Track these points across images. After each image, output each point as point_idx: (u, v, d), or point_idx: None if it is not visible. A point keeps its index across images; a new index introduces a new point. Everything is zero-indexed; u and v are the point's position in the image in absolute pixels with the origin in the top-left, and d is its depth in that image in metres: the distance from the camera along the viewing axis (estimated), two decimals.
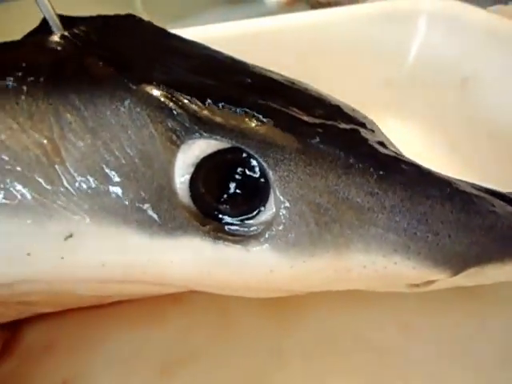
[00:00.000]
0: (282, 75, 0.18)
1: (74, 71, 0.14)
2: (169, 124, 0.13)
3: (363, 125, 0.16)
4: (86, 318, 0.21)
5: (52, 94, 0.13)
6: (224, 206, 0.13)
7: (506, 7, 0.33)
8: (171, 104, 0.13)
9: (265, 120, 0.13)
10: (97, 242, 0.13)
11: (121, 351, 0.19)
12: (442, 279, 0.14)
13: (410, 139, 0.30)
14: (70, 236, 0.13)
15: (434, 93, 0.29)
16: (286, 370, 0.18)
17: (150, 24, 0.19)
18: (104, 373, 0.19)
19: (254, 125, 0.13)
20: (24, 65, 0.14)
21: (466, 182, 0.15)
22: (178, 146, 0.13)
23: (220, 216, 0.13)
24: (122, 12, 0.21)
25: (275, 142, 0.13)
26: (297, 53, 0.33)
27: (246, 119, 0.13)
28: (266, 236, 0.13)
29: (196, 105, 0.13)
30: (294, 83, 0.17)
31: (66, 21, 0.18)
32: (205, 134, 0.13)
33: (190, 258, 0.13)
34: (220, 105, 0.13)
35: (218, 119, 0.13)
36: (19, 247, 0.13)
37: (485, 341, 0.19)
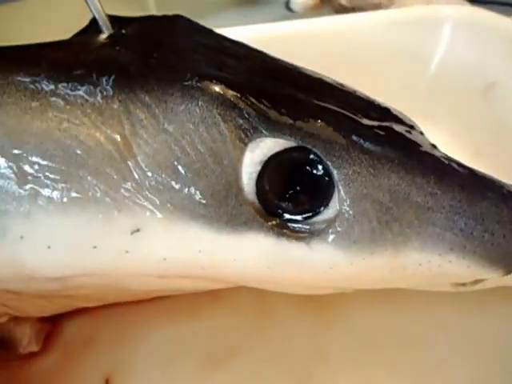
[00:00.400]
0: (329, 77, 0.18)
1: (138, 70, 0.14)
2: (238, 123, 0.13)
3: (413, 127, 0.16)
4: (124, 313, 0.21)
5: (120, 91, 0.13)
6: (288, 203, 0.13)
7: None
8: (241, 103, 0.13)
9: (330, 121, 0.13)
10: (162, 236, 0.13)
11: (162, 346, 0.20)
12: (492, 278, 0.15)
13: None
14: (137, 230, 0.13)
15: (458, 99, 0.30)
16: (329, 367, 0.18)
17: (197, 24, 0.19)
18: (146, 367, 0.19)
19: (320, 125, 0.13)
20: (87, 63, 0.14)
21: None
22: (246, 144, 0.13)
23: (283, 213, 0.14)
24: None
25: (340, 143, 0.13)
26: (320, 57, 0.34)
27: (313, 120, 0.13)
28: (329, 233, 0.13)
29: (265, 105, 0.13)
30: (342, 85, 0.17)
31: (115, 21, 0.18)
32: (273, 133, 0.13)
33: (252, 254, 0.14)
34: (288, 105, 0.13)
35: (286, 119, 0.13)
36: (86, 240, 0.13)
37: None
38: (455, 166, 0.15)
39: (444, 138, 0.31)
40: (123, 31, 0.18)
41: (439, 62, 0.31)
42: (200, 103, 0.13)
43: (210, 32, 0.19)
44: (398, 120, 0.16)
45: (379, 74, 0.33)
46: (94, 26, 0.19)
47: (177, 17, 0.19)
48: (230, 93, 0.13)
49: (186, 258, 0.14)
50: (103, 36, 0.17)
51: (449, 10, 0.31)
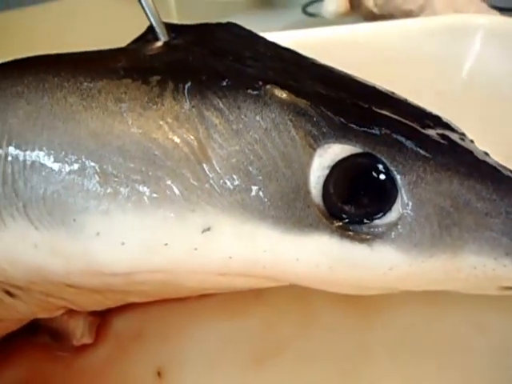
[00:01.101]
0: (379, 85, 0.19)
1: (209, 76, 0.15)
2: (308, 129, 0.14)
3: (464, 135, 0.17)
4: (170, 309, 0.22)
5: (194, 97, 0.14)
6: (352, 206, 0.14)
7: None
8: (311, 111, 0.14)
9: (394, 128, 0.14)
10: (231, 236, 0.14)
11: (208, 342, 0.20)
12: None
13: None
14: (208, 229, 0.14)
15: (488, 107, 0.31)
16: (374, 365, 0.19)
17: (251, 32, 0.20)
18: (195, 362, 0.20)
19: (385, 132, 0.14)
20: (160, 69, 0.15)
21: None
22: (315, 150, 0.14)
23: (347, 216, 0.14)
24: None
25: (405, 149, 0.14)
26: (350, 64, 0.34)
27: (378, 127, 0.14)
28: (392, 236, 0.14)
29: (332, 112, 0.14)
30: (393, 93, 0.18)
31: (170, 28, 0.19)
32: (340, 140, 0.14)
33: (316, 254, 0.14)
34: (353, 112, 0.14)
35: (353, 126, 0.14)
36: (159, 237, 0.14)
37: None
38: (510, 173, 0.15)
39: (477, 145, 0.31)
40: (181, 38, 0.18)
41: (470, 69, 0.32)
42: (273, 109, 0.14)
43: (265, 40, 0.19)
44: (450, 128, 0.17)
45: (410, 82, 0.33)
46: (149, 33, 0.19)
47: (231, 25, 0.20)
48: (301, 100, 0.14)
49: (251, 257, 0.15)
50: (162, 43, 0.18)
51: (480, 20, 0.32)
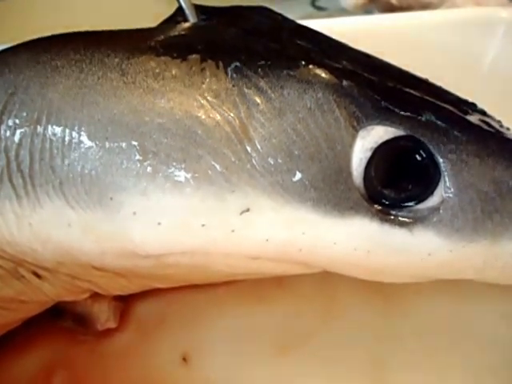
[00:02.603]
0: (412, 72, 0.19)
1: (249, 56, 0.14)
2: (352, 110, 0.13)
3: (501, 122, 0.17)
4: (193, 296, 0.21)
5: (233, 75, 0.14)
6: (393, 190, 0.14)
7: None
8: (355, 92, 0.13)
9: (438, 112, 0.14)
10: (269, 217, 0.14)
11: (232, 329, 0.20)
12: None
13: None
14: (247, 211, 0.14)
15: (508, 103, 0.30)
16: (401, 353, 0.19)
17: (282, 15, 0.20)
18: (220, 348, 0.20)
19: (428, 116, 0.14)
20: (198, 49, 0.15)
21: None
22: (358, 131, 0.13)
23: (387, 199, 0.14)
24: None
25: (449, 133, 0.14)
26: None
27: (421, 110, 0.14)
28: (433, 220, 0.14)
29: (376, 94, 0.14)
30: (427, 79, 0.18)
31: (200, 10, 0.19)
32: (383, 122, 0.13)
33: (355, 238, 0.14)
34: (397, 95, 0.14)
35: (396, 109, 0.13)
36: (196, 218, 0.14)
37: None
38: None
39: None
40: (213, 20, 0.18)
41: (491, 63, 0.31)
42: (316, 89, 0.13)
43: (295, 23, 0.19)
44: (487, 115, 0.17)
45: (430, 75, 0.33)
46: (177, 15, 0.19)
47: (262, 8, 0.19)
48: (344, 80, 0.14)
49: (288, 240, 0.14)
50: (194, 24, 0.18)
51: (502, 13, 0.31)
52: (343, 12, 0.46)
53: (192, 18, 0.19)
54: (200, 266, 0.17)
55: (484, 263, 0.15)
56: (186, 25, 0.18)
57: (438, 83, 0.34)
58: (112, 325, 0.19)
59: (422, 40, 0.33)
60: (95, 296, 0.20)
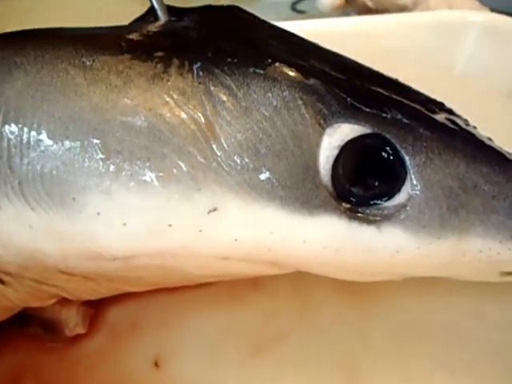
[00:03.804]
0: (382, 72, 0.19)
1: (216, 54, 0.14)
2: (319, 107, 0.13)
3: (467, 121, 0.17)
4: (166, 299, 0.21)
5: (200, 73, 0.14)
6: (359, 188, 0.14)
7: None
8: (322, 90, 0.13)
9: (404, 110, 0.14)
10: (237, 216, 0.14)
11: (206, 332, 0.20)
12: None
13: None
14: (214, 210, 0.14)
15: (481, 102, 0.31)
16: (373, 354, 0.19)
17: (254, 15, 0.19)
18: (193, 351, 0.19)
19: (395, 114, 0.14)
20: (165, 46, 0.15)
21: None
22: (325, 129, 0.13)
23: (355, 197, 0.14)
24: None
25: (414, 131, 0.14)
26: None
27: (388, 108, 0.14)
28: (400, 217, 0.14)
29: (343, 92, 0.14)
30: (397, 79, 0.18)
31: (171, 10, 0.19)
32: (350, 120, 0.13)
33: (323, 236, 0.14)
34: (364, 93, 0.14)
35: (363, 106, 0.14)
36: (163, 218, 0.14)
37: None
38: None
39: None
40: (183, 19, 0.18)
41: (463, 65, 0.32)
42: (283, 87, 0.13)
43: (267, 23, 0.19)
44: (454, 113, 0.17)
45: (403, 77, 0.33)
46: (149, 14, 0.19)
47: (234, 7, 0.19)
48: (311, 78, 0.13)
49: (257, 239, 0.14)
50: (163, 23, 0.18)
51: (474, 16, 0.32)
52: (322, 15, 0.47)
53: (163, 18, 0.19)
54: (170, 267, 0.17)
55: (452, 259, 0.15)
56: (155, 24, 0.18)
57: (413, 84, 0.35)
58: (81, 330, 0.19)
59: (396, 42, 0.33)
60: (63, 301, 0.19)
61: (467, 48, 0.33)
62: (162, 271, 0.17)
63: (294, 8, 0.62)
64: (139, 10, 0.21)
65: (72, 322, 0.19)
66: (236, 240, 0.14)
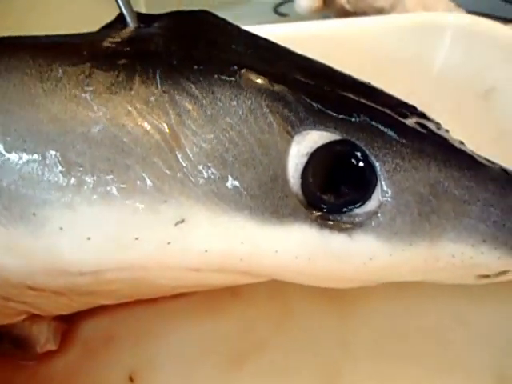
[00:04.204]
0: (355, 77, 0.19)
1: (181, 61, 0.14)
2: (286, 115, 0.13)
3: (439, 124, 0.17)
4: (143, 311, 0.21)
5: (164, 82, 0.13)
6: (330, 195, 0.14)
7: None
8: (288, 96, 0.13)
9: (373, 116, 0.14)
10: (206, 227, 0.13)
11: (184, 343, 0.20)
12: None
13: None
14: (182, 221, 0.13)
15: (459, 104, 0.31)
16: (354, 359, 0.19)
17: (225, 20, 0.19)
18: (170, 364, 0.19)
19: (364, 120, 0.13)
20: (129, 54, 0.14)
21: None
22: (293, 136, 0.13)
23: (325, 205, 0.14)
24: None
25: (384, 137, 0.13)
26: (321, 60, 0.34)
27: (357, 114, 0.13)
28: (371, 224, 0.14)
29: (311, 98, 0.13)
30: (369, 83, 0.18)
31: (141, 17, 0.18)
32: (318, 126, 0.13)
33: (295, 245, 0.14)
34: (332, 99, 0.14)
35: (331, 113, 0.13)
36: (129, 231, 0.13)
37: None
38: (485, 161, 0.15)
39: None
40: (152, 25, 0.18)
41: (440, 67, 0.32)
42: (248, 95, 0.13)
43: (238, 28, 0.19)
44: (426, 117, 0.17)
45: (382, 79, 0.33)
46: (119, 21, 0.19)
47: (203, 12, 0.19)
48: (278, 85, 0.13)
49: (227, 250, 0.14)
50: (131, 30, 0.17)
51: (450, 18, 0.32)
52: (304, 18, 0.47)
53: (132, 24, 0.18)
54: (142, 280, 0.16)
55: (425, 265, 0.15)
56: (123, 31, 0.17)
57: (390, 86, 0.35)
58: (52, 347, 0.18)
59: (373, 45, 0.33)
60: (34, 317, 0.18)
61: (444, 49, 0.33)
62: (134, 284, 0.16)
63: (276, 11, 0.63)
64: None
65: (43, 338, 0.18)
66: (206, 251, 0.14)
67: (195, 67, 0.14)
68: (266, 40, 0.18)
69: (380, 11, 0.35)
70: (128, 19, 0.18)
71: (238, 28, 0.19)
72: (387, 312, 0.20)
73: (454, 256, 0.15)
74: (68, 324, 0.20)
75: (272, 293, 0.21)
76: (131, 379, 0.18)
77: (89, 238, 0.13)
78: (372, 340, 0.20)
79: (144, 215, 0.13)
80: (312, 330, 0.20)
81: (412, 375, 0.19)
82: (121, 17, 0.18)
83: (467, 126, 0.32)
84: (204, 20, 0.18)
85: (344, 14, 0.36)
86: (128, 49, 0.14)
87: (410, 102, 0.35)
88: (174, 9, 0.21)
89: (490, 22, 0.31)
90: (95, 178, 0.13)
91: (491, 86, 0.30)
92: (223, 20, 0.19)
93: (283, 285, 0.19)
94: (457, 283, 0.18)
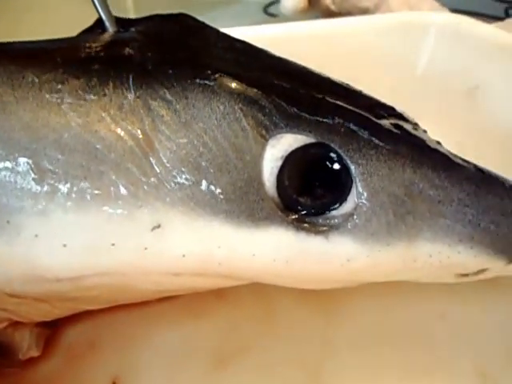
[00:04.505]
0: (332, 77, 0.19)
1: (155, 66, 0.14)
2: (260, 119, 0.13)
3: (417, 125, 0.17)
4: (127, 315, 0.20)
5: (138, 87, 0.13)
6: (306, 198, 0.14)
7: (510, 22, 0.36)
8: (262, 100, 0.13)
9: (348, 118, 0.14)
10: (182, 232, 0.13)
11: (168, 347, 0.20)
12: (495, 268, 0.16)
13: None
14: (158, 227, 0.13)
15: (443, 102, 0.31)
16: (337, 358, 0.19)
17: (203, 23, 0.19)
18: (153, 368, 0.19)
19: (338, 122, 0.14)
20: (102, 59, 0.14)
21: None
22: (267, 140, 0.13)
23: (302, 208, 0.14)
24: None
25: (358, 139, 0.14)
26: (305, 60, 0.34)
27: (331, 116, 0.14)
28: (347, 226, 0.14)
29: (285, 101, 0.13)
30: (348, 85, 0.18)
31: (119, 21, 0.18)
32: (293, 130, 0.13)
33: (272, 249, 0.14)
34: (306, 102, 0.14)
35: (305, 116, 0.13)
36: (105, 238, 0.13)
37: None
38: (461, 161, 0.15)
39: None
40: (130, 30, 0.18)
41: (425, 66, 0.32)
42: (222, 99, 0.13)
43: (217, 31, 0.19)
44: (403, 118, 0.17)
45: (366, 78, 0.34)
46: (98, 25, 0.18)
47: (182, 16, 0.19)
48: (251, 89, 0.13)
49: (205, 254, 0.14)
50: (109, 35, 0.17)
51: (434, 17, 0.32)
52: (293, 18, 0.46)
53: (110, 28, 0.18)
54: (123, 285, 0.16)
55: (403, 265, 0.15)
56: (100, 36, 0.17)
57: (375, 85, 0.35)
58: (35, 353, 0.18)
59: (358, 45, 0.33)
60: (16, 324, 0.18)
61: (428, 48, 0.33)
62: (115, 289, 0.16)
63: (266, 11, 0.63)
64: (130, 13, 0.20)
65: (25, 344, 0.18)
66: (184, 256, 0.14)
67: (170, 72, 0.14)
68: (244, 43, 0.18)
69: (365, 11, 0.35)
70: (106, 23, 0.18)
71: (216, 31, 0.19)
72: (371, 309, 0.20)
73: (432, 256, 0.15)
74: (51, 330, 0.20)
75: (256, 293, 0.21)
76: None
77: (65, 245, 0.13)
78: (356, 338, 0.20)
79: (120, 221, 0.13)
80: (297, 329, 0.20)
81: (395, 373, 0.19)
82: (100, 21, 0.18)
83: (451, 125, 0.32)
84: (183, 23, 0.18)
85: (329, 14, 0.36)
86: (103, 54, 0.14)
87: (394, 101, 0.35)
88: (164, 10, 0.21)
89: (474, 21, 0.31)
90: (69, 184, 0.13)
91: (475, 84, 0.30)
92: (202, 23, 0.19)
93: (267, 285, 0.19)
94: (438, 282, 0.18)
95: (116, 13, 0.20)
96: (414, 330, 0.20)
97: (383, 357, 0.19)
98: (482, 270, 0.16)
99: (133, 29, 0.18)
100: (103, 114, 0.13)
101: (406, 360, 0.19)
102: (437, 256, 0.15)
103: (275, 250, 0.14)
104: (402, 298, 0.21)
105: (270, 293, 0.21)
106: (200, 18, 0.20)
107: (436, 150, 0.15)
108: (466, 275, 0.17)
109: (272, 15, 0.61)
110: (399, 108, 0.19)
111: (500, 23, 0.36)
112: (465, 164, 0.15)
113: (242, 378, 0.19)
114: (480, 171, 0.15)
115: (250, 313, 0.21)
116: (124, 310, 0.20)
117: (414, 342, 0.20)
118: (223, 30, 0.30)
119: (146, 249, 0.14)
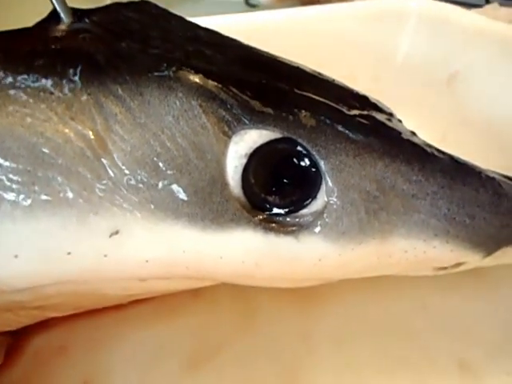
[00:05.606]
0: (307, 66, 0.18)
1: (108, 60, 0.13)
2: (221, 114, 0.12)
3: (392, 115, 0.16)
4: (98, 319, 0.20)
5: (89, 83, 0.12)
6: (274, 196, 0.13)
7: (490, 9, 0.35)
8: (223, 94, 0.12)
9: (315, 110, 0.13)
10: (143, 237, 0.13)
11: (142, 347, 0.19)
12: (472, 261, 0.15)
13: None
14: (116, 233, 0.12)
15: (423, 89, 0.31)
16: (316, 354, 0.18)
17: (167, 11, 0.18)
18: (126, 370, 0.18)
19: (304, 115, 0.13)
20: (50, 53, 0.13)
21: (491, 170, 0.15)
22: (230, 137, 0.12)
23: (270, 207, 0.13)
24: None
25: (326, 133, 0.13)
26: (285, 48, 0.33)
27: (297, 110, 0.13)
28: (318, 225, 0.13)
29: (247, 95, 0.12)
30: (320, 74, 0.17)
31: (77, 12, 0.17)
32: (257, 125, 0.12)
33: (240, 251, 0.13)
34: (271, 95, 0.13)
35: (270, 110, 0.13)
36: (60, 246, 0.12)
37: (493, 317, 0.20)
38: (435, 152, 0.15)
39: (411, 127, 0.32)
40: (86, 21, 0.16)
41: (405, 53, 0.32)
42: (179, 95, 0.12)
43: (181, 19, 0.18)
44: (377, 108, 0.16)
45: (346, 66, 0.33)
46: (53, 16, 0.17)
47: (144, 3, 0.18)
48: (211, 83, 0.12)
49: (170, 259, 0.13)
50: (63, 26, 0.16)
51: (413, 3, 0.32)
52: (274, 8, 0.45)
53: (66, 18, 0.17)
54: (86, 292, 0.15)
55: (378, 261, 0.14)
56: (54, 28, 0.16)
57: (356, 73, 0.34)
58: None
59: (337, 32, 0.32)
60: None
61: (408, 36, 0.32)
62: (79, 296, 0.16)
63: (247, 2, 0.62)
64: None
65: None
66: (147, 261, 0.13)
67: (123, 66, 0.13)
68: (211, 32, 0.17)
69: None
70: (62, 15, 0.17)
71: (181, 19, 0.18)
72: (350, 303, 0.20)
73: (407, 251, 0.14)
74: (16, 337, 0.19)
75: (234, 292, 0.20)
76: None
77: (16, 256, 0.12)
78: (335, 331, 0.19)
79: (74, 229, 0.12)
80: (273, 328, 0.19)
81: (375, 365, 0.19)
82: (55, 12, 0.17)
83: (432, 109, 0.32)
84: (144, 12, 0.17)
85: (309, 2, 0.35)
86: (50, 48, 0.13)
87: (375, 89, 0.35)
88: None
89: (454, 7, 0.30)
90: (15, 192, 0.12)
91: (455, 71, 0.30)
92: (165, 11, 0.18)
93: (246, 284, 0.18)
94: (417, 275, 0.18)
95: (92, 3, 0.19)
96: (395, 322, 0.20)
97: (363, 349, 0.19)
98: (460, 264, 0.16)
99: (89, 20, 0.17)
100: (50, 114, 0.12)
101: (386, 352, 0.19)
102: (412, 251, 0.14)
103: (243, 253, 0.13)
104: (382, 290, 0.21)
105: (247, 289, 0.20)
106: (181, 9, 0.19)
107: (410, 142, 0.14)
108: (445, 268, 0.17)
109: (253, 6, 0.60)
110: (375, 97, 0.18)
111: (479, 9, 0.35)
112: (440, 155, 0.14)
113: (219, 375, 0.18)
114: (455, 162, 0.14)
115: (226, 311, 0.20)
116: (96, 314, 0.19)
117: (394, 334, 0.19)
118: (203, 18, 0.29)
119: (105, 256, 0.13)
